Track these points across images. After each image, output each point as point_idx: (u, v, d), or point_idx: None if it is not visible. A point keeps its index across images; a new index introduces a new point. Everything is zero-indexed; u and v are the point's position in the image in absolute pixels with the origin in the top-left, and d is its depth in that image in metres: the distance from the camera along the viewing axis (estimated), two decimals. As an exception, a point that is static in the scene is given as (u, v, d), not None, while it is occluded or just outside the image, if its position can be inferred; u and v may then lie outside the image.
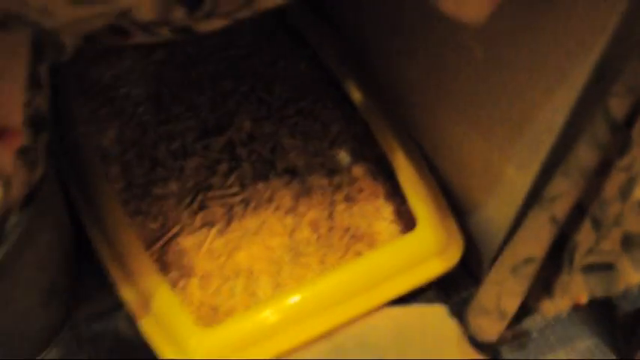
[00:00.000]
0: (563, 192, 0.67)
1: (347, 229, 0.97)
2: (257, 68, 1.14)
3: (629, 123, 0.60)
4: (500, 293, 0.83)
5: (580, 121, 0.68)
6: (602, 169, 0.65)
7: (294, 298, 0.88)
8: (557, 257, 0.77)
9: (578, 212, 0.70)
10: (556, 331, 1.00)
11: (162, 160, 1.01)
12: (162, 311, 0.85)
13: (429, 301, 0.98)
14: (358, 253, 0.94)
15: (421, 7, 0.85)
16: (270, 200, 0.98)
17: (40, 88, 0.72)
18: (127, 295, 0.88)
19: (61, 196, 0.85)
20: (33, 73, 0.70)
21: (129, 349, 0.95)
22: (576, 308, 1.01)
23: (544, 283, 0.82)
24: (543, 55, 0.69)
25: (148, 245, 0.93)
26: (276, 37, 1.18)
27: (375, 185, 1.01)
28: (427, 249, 0.92)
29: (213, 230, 0.95)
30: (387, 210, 0.99)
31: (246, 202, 0.98)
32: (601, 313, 1.02)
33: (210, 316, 0.88)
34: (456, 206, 0.99)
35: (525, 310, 0.88)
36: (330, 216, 0.98)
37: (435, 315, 0.96)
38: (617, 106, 0.60)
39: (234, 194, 0.99)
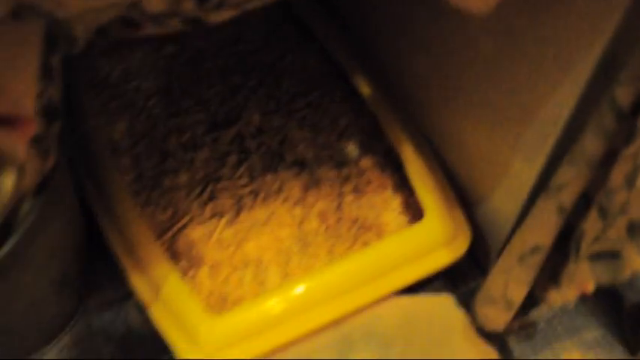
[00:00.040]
0: (570, 181, 0.68)
1: (355, 220, 0.97)
2: (266, 62, 1.15)
3: (635, 112, 0.61)
4: (507, 282, 0.83)
5: (586, 112, 0.69)
6: (609, 159, 0.66)
7: (303, 287, 0.89)
8: (564, 247, 0.77)
9: (585, 202, 0.71)
10: (563, 322, 1.01)
11: (173, 152, 1.03)
12: (172, 299, 0.86)
13: (437, 291, 0.99)
14: (366, 244, 0.95)
15: (429, 0, 0.85)
16: (279, 191, 0.99)
17: (53, 79, 0.73)
18: (138, 283, 0.89)
19: (72, 185, 0.86)
20: (46, 64, 0.71)
21: (139, 338, 0.96)
22: (583, 299, 1.01)
23: (551, 273, 0.82)
24: (549, 46, 0.69)
25: (159, 235, 0.94)
26: (284, 32, 1.19)
27: (383, 177, 1.02)
28: (435, 239, 0.93)
29: (223, 221, 0.96)
30: (395, 201, 1.00)
31: (255, 193, 0.99)
32: (608, 304, 1.02)
33: (220, 304, 0.89)
34: (463, 198, 1.00)
35: (532, 300, 0.88)
36: (339, 207, 0.98)
37: (442, 305, 0.96)
38: (623, 94, 0.61)
39: (244, 185, 1.00)
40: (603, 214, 0.69)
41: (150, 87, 1.10)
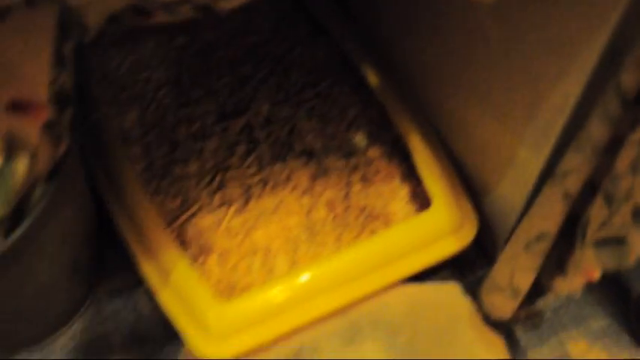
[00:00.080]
0: (576, 167, 0.68)
1: (363, 209, 0.98)
2: (275, 54, 1.15)
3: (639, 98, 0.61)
4: (514, 270, 0.84)
5: (593, 99, 0.69)
6: (614, 145, 0.66)
7: (310, 275, 0.89)
8: (570, 236, 0.78)
9: (591, 189, 0.71)
10: (570, 312, 1.01)
11: (182, 141, 1.04)
12: (182, 285, 0.87)
13: (444, 280, 0.99)
14: (373, 232, 0.96)
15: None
16: (287, 180, 1.00)
17: (65, 66, 0.74)
18: (148, 269, 0.90)
19: (83, 172, 0.87)
20: (58, 51, 0.72)
21: (149, 325, 0.97)
22: (590, 288, 1.02)
23: (557, 261, 0.83)
24: (556, 32, 0.70)
25: (168, 223, 0.95)
26: (293, 24, 1.20)
27: (391, 167, 1.02)
28: (441, 227, 0.94)
29: (232, 209, 0.97)
30: (402, 191, 1.00)
31: (263, 182, 1.00)
32: (615, 294, 1.02)
33: (228, 291, 0.90)
34: (470, 187, 1.00)
35: (539, 289, 0.89)
36: (347, 196, 0.99)
37: (449, 293, 0.97)
38: (629, 80, 0.61)
39: (252, 174, 1.01)
40: (609, 200, 0.69)
41: (160, 77, 1.11)
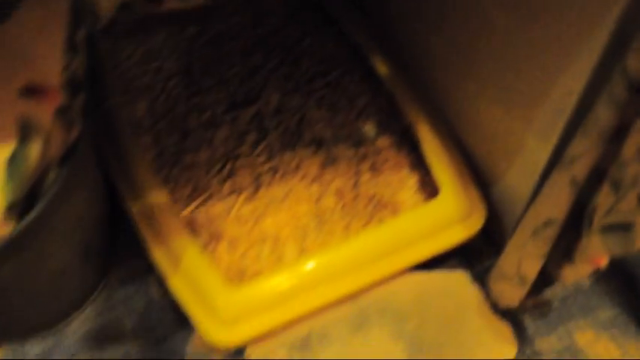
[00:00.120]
0: (583, 152, 0.69)
1: (371, 198, 0.99)
2: (285, 44, 1.16)
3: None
4: (521, 257, 0.84)
5: (599, 88, 0.69)
6: (621, 132, 0.66)
7: (319, 262, 0.90)
8: (577, 224, 0.78)
9: (598, 176, 0.72)
10: (577, 301, 1.02)
11: (193, 130, 1.05)
12: (192, 271, 0.88)
13: (452, 269, 1.00)
14: (382, 221, 0.96)
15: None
16: (296, 169, 1.01)
17: (78, 53, 0.75)
18: (159, 255, 0.91)
19: (95, 159, 0.89)
20: (71, 38, 0.73)
21: (159, 310, 0.98)
22: (597, 279, 1.02)
23: (565, 249, 0.83)
24: (563, 20, 0.70)
25: (179, 210, 0.96)
26: (303, 14, 1.20)
27: (400, 156, 1.03)
28: (450, 215, 0.94)
29: (242, 197, 0.98)
30: (411, 180, 1.01)
31: (273, 171, 1.01)
32: (622, 284, 1.03)
33: (238, 277, 0.91)
34: (479, 177, 1.01)
35: (547, 279, 0.89)
36: (355, 185, 1.00)
37: (457, 281, 0.97)
38: (635, 65, 0.61)
39: (262, 163, 1.01)
40: (616, 187, 0.69)
41: (171, 67, 1.12)
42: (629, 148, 0.66)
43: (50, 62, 0.71)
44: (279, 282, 0.89)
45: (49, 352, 0.95)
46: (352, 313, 0.93)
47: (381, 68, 1.09)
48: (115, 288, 1.00)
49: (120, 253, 1.03)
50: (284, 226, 0.96)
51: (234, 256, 0.93)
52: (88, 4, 0.69)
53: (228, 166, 1.01)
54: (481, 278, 0.98)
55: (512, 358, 0.94)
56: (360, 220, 0.97)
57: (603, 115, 0.65)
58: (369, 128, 1.06)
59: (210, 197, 0.98)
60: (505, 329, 0.95)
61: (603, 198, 0.72)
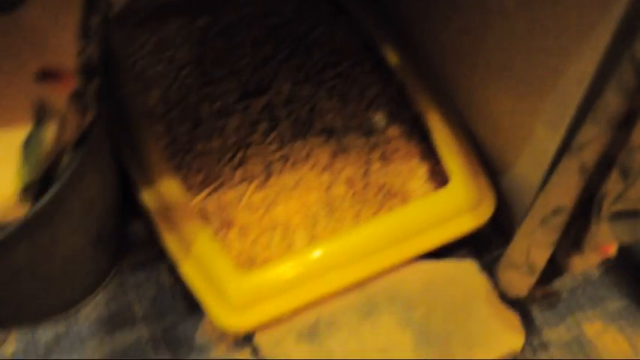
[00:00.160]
0: (592, 139, 0.69)
1: (382, 187, 0.99)
2: (296, 34, 1.17)
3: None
4: (530, 246, 0.84)
5: (609, 75, 0.70)
6: (630, 119, 0.67)
7: (328, 249, 0.91)
8: (586, 214, 0.78)
9: (606, 163, 0.72)
10: (586, 292, 1.02)
11: (205, 119, 1.06)
12: (203, 256, 0.89)
13: (461, 259, 1.00)
14: (392, 209, 0.97)
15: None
16: (307, 157, 1.02)
17: (92, 38, 0.76)
18: (170, 241, 0.92)
19: (109, 144, 0.90)
20: (86, 23, 0.74)
21: (170, 297, 0.99)
22: (607, 269, 1.02)
23: (573, 239, 0.83)
24: (572, 6, 0.71)
25: (191, 197, 0.97)
26: (314, 5, 1.21)
27: (410, 146, 1.03)
28: (459, 204, 0.95)
29: (253, 185, 0.99)
30: (421, 169, 1.01)
31: (284, 159, 1.01)
32: (631, 275, 1.03)
33: (248, 264, 0.92)
34: (488, 166, 1.01)
35: (555, 269, 0.89)
36: (366, 174, 1.01)
37: (466, 270, 0.98)
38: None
39: (273, 151, 1.02)
40: (625, 174, 0.70)
41: (183, 57, 1.13)
42: (638, 135, 0.66)
43: (65, 47, 0.72)
44: (288, 269, 0.90)
45: (61, 337, 0.96)
46: (360, 301, 0.94)
47: (392, 58, 1.09)
48: (127, 274, 1.02)
49: (131, 239, 1.04)
50: (294, 213, 0.97)
51: (245, 243, 0.94)
52: (103, -9, 0.70)
53: (239, 155, 1.02)
54: (490, 268, 0.98)
55: (519, 347, 0.95)
56: (370, 209, 0.98)
57: (612, 102, 0.65)
58: (379, 118, 1.06)
59: (221, 185, 0.99)
60: (513, 319, 0.96)
61: (612, 185, 0.72)
